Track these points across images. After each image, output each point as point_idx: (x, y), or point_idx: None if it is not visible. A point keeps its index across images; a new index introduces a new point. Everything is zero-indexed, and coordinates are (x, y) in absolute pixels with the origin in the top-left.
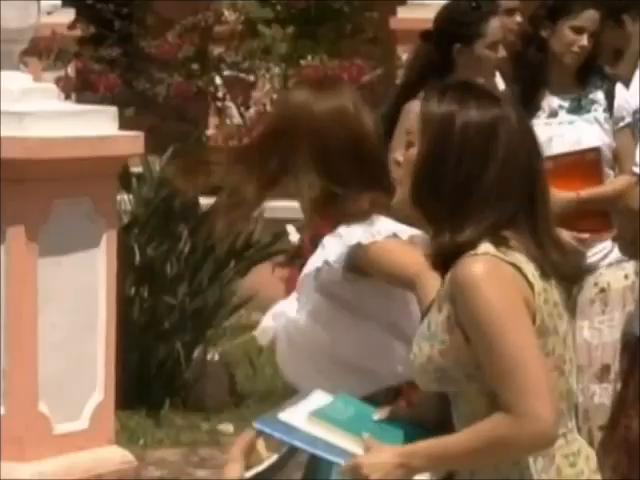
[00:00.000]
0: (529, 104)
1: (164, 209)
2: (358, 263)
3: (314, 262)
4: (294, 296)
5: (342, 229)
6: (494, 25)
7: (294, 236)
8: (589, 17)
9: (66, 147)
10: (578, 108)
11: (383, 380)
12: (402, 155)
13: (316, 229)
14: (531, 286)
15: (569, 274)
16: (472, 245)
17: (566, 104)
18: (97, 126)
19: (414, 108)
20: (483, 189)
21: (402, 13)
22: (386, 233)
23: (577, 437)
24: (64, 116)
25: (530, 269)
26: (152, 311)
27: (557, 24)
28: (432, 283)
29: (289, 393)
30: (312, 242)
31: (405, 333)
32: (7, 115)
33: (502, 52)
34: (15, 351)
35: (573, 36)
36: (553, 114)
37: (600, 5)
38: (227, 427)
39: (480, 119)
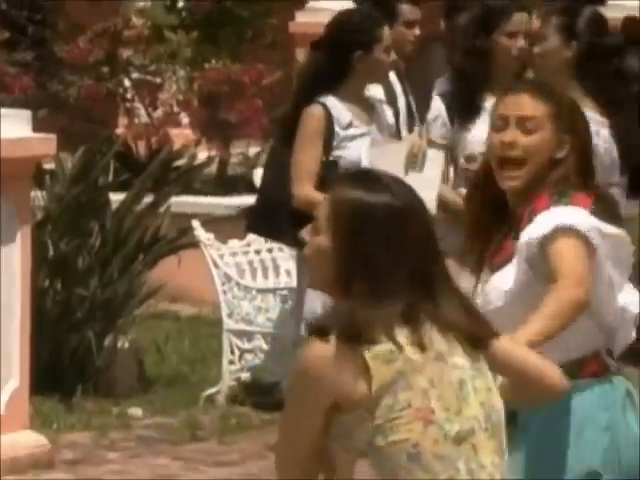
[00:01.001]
0: (470, 108)
1: (76, 206)
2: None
3: (527, 233)
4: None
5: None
6: (387, 31)
7: (199, 231)
8: (519, 20)
9: None
10: None
11: (572, 352)
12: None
13: (533, 203)
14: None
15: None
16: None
17: None
18: (11, 129)
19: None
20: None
21: (300, 18)
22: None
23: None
24: None
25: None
26: (65, 302)
27: (492, 35)
28: None
29: (197, 378)
30: (528, 215)
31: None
32: None
33: (393, 55)
34: None
35: (509, 42)
36: None
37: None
38: (136, 411)
39: (388, 206)
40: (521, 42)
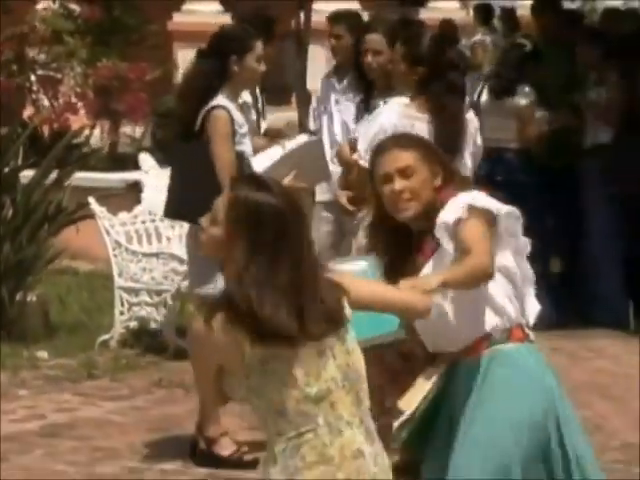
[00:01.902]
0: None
1: None
2: None
3: (442, 217)
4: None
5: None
6: (259, 43)
7: (94, 205)
8: (371, 39)
9: None
10: None
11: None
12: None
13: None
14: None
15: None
16: None
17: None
18: None
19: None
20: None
21: (177, 18)
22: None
23: (336, 433)
24: None
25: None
26: None
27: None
28: None
29: (93, 326)
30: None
31: None
32: None
33: (263, 67)
34: None
35: (367, 58)
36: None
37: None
38: (42, 354)
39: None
40: (379, 59)
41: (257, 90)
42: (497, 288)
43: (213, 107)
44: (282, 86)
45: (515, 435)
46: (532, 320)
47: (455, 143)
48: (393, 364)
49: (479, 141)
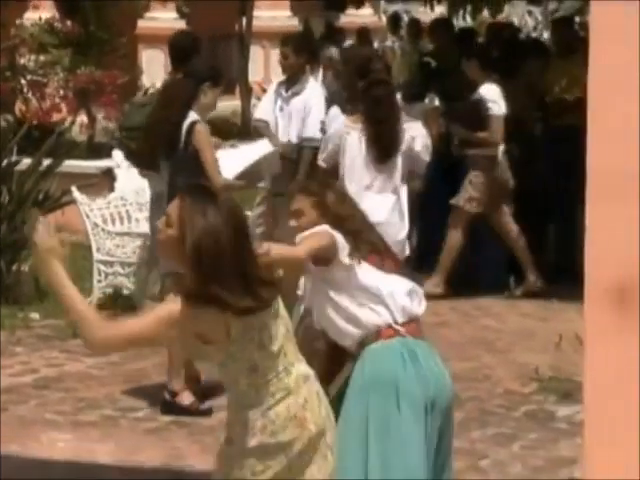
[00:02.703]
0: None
1: None
2: None
3: None
4: None
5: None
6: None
7: (76, 193)
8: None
9: None
10: None
11: (368, 326)
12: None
13: None
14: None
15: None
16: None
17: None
18: None
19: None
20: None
21: (141, 24)
22: None
23: (289, 372)
24: None
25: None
26: None
27: None
28: None
29: (80, 289)
30: None
31: None
32: None
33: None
34: None
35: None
36: None
37: None
38: (35, 315)
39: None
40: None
41: None
42: (360, 299)
43: (193, 122)
44: (227, 79)
45: (350, 430)
46: (402, 319)
47: (383, 151)
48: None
49: (417, 147)
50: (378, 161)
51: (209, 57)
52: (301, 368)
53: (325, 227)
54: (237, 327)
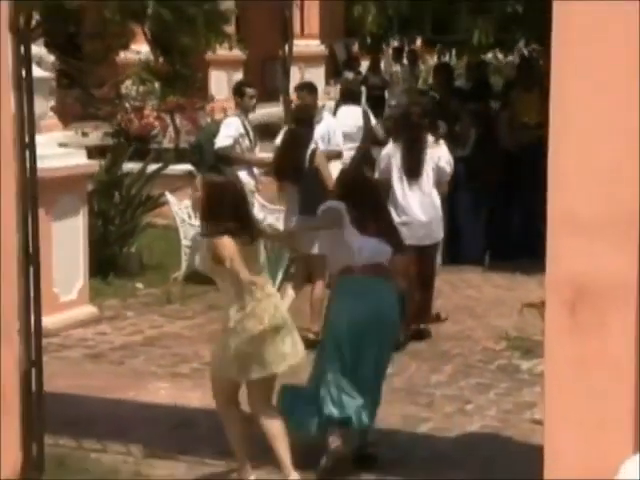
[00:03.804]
0: None
1: (107, 183)
2: None
3: None
4: None
5: None
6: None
7: (169, 196)
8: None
9: None
10: None
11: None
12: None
13: None
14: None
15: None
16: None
17: None
18: (69, 159)
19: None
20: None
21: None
22: None
23: (262, 288)
24: None
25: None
26: (104, 233)
27: None
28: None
29: (169, 266)
30: None
31: None
32: None
33: None
34: None
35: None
36: None
37: None
38: (139, 285)
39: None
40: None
41: (248, 125)
42: (343, 248)
43: (314, 149)
44: (274, 91)
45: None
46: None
47: (413, 169)
48: None
49: (441, 163)
50: (408, 175)
51: (261, 74)
52: (269, 287)
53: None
54: (238, 251)
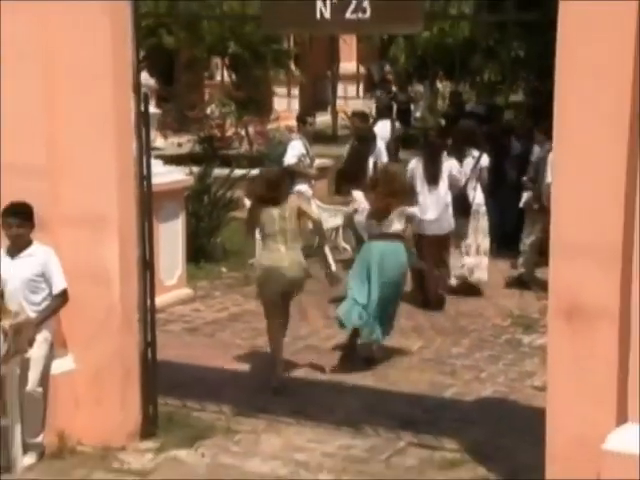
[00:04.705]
0: None
1: (201, 187)
2: None
3: None
4: None
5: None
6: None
7: (244, 199)
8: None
9: None
10: None
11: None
12: None
13: None
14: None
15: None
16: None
17: None
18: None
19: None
20: None
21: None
22: None
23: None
24: None
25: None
26: (196, 228)
27: None
28: None
29: (246, 252)
30: None
31: None
32: None
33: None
34: None
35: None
36: None
37: None
38: (224, 269)
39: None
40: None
41: (308, 146)
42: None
43: (375, 162)
44: (323, 103)
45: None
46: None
47: (431, 177)
48: None
49: (454, 172)
50: (428, 182)
51: (313, 90)
52: (281, 246)
53: None
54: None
